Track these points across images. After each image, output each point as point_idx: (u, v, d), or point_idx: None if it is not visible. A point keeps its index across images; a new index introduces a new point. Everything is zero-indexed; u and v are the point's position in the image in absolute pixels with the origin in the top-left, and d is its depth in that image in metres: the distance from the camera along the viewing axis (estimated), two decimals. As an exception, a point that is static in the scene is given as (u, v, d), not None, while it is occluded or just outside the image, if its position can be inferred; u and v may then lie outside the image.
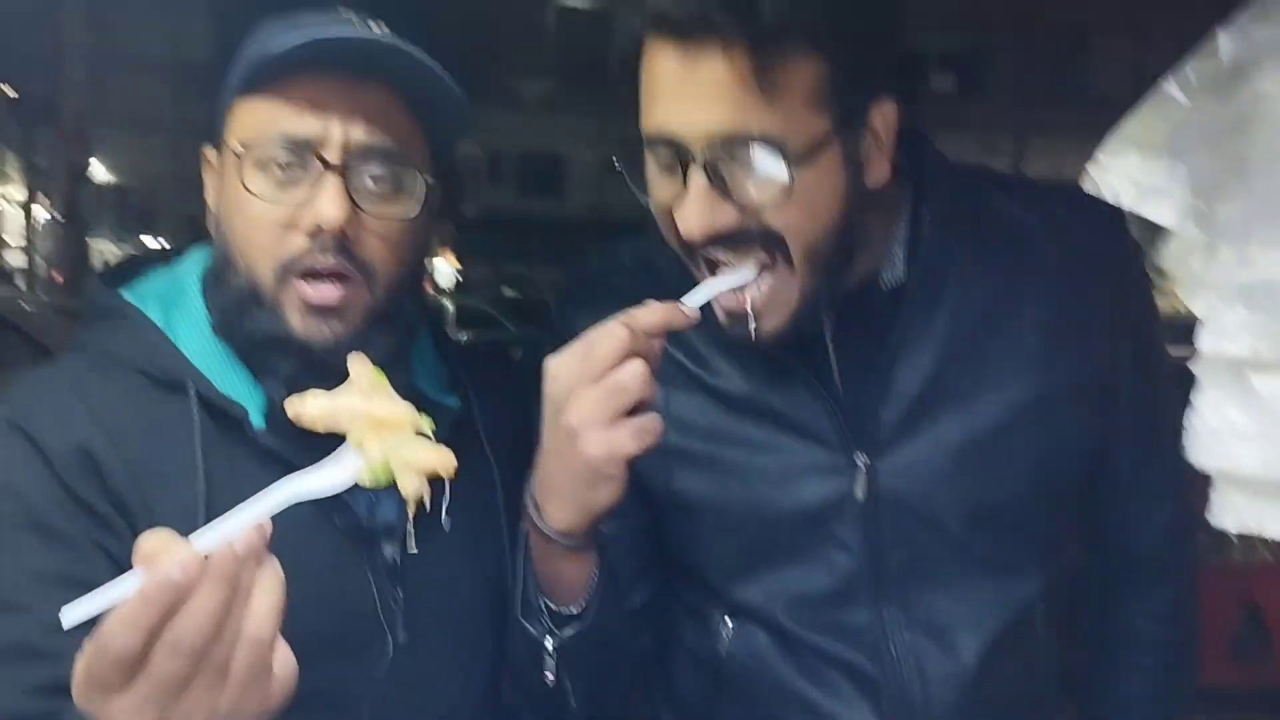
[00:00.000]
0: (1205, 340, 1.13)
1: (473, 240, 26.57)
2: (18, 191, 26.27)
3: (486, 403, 1.25)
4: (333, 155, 1.07)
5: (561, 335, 1.29)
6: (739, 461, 1.20)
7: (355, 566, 1.10)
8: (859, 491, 1.16)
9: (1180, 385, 1.32)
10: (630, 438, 0.97)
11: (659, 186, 1.09)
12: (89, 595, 0.73)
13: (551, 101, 25.33)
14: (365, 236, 1.08)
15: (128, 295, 1.16)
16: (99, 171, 20.93)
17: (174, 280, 1.18)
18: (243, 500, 1.00)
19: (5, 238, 25.94)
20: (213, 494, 1.06)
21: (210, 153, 1.16)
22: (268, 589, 0.77)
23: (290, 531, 1.06)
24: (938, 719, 1.18)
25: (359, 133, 1.08)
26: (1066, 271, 1.21)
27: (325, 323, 1.08)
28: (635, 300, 1.25)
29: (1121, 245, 1.24)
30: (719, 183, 1.04)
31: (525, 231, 25.91)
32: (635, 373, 0.96)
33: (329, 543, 1.10)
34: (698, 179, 1.04)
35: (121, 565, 0.99)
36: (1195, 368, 1.15)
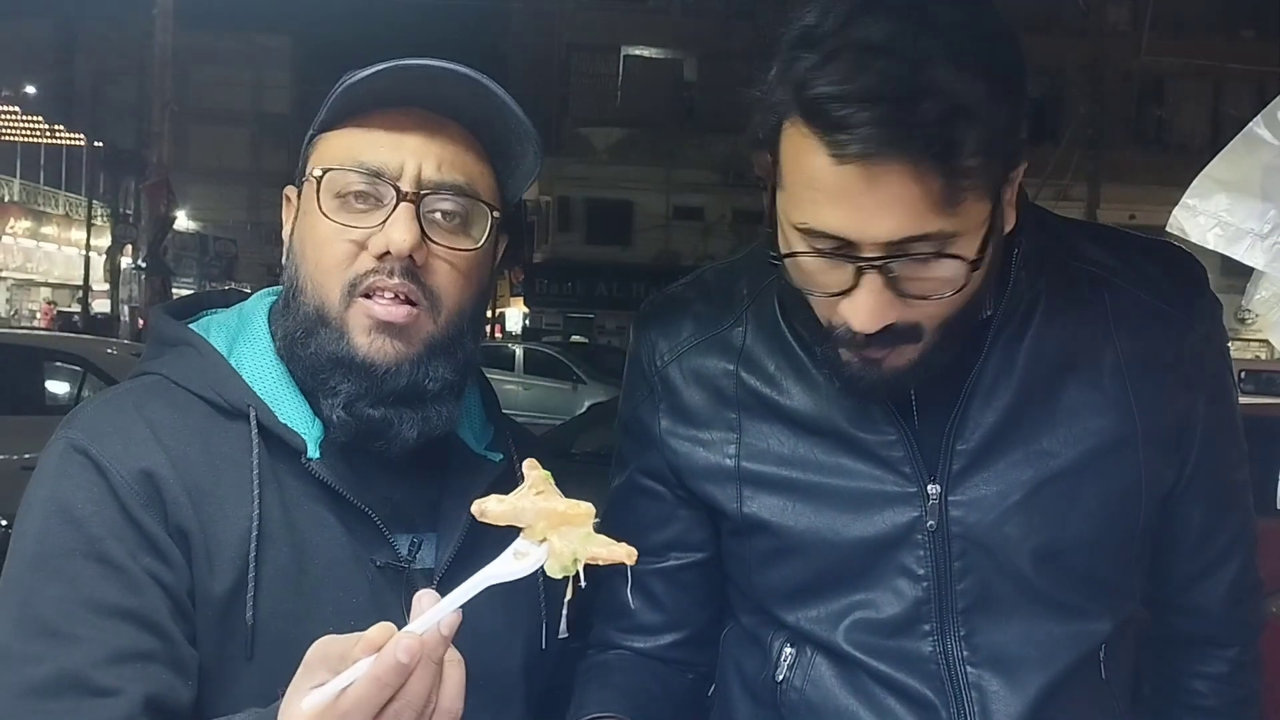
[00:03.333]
0: (1298, 384, 1.10)
1: (541, 287, 26.87)
2: (103, 240, 27.13)
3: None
4: (406, 185, 1.10)
5: (637, 353, 1.29)
6: (811, 485, 1.19)
7: (392, 607, 1.07)
8: (929, 521, 1.16)
9: (1253, 442, 1.29)
10: None
11: (815, 270, 1.07)
12: (329, 683, 0.84)
13: (619, 150, 25.60)
14: (433, 263, 1.11)
15: (198, 326, 1.18)
16: (181, 220, 21.52)
17: (240, 313, 1.20)
18: (289, 522, 1.09)
19: (91, 285, 26.74)
20: (264, 520, 1.07)
21: (290, 191, 1.19)
22: (456, 666, 0.88)
23: (330, 568, 1.09)
24: None
25: (433, 166, 1.11)
26: (1147, 319, 1.20)
27: (390, 341, 1.10)
28: (711, 320, 1.26)
29: (1203, 298, 1.23)
30: (892, 282, 1.04)
31: (592, 278, 26.13)
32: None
33: (367, 580, 1.11)
34: (874, 280, 1.03)
35: (173, 597, 1.04)
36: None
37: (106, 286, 26.06)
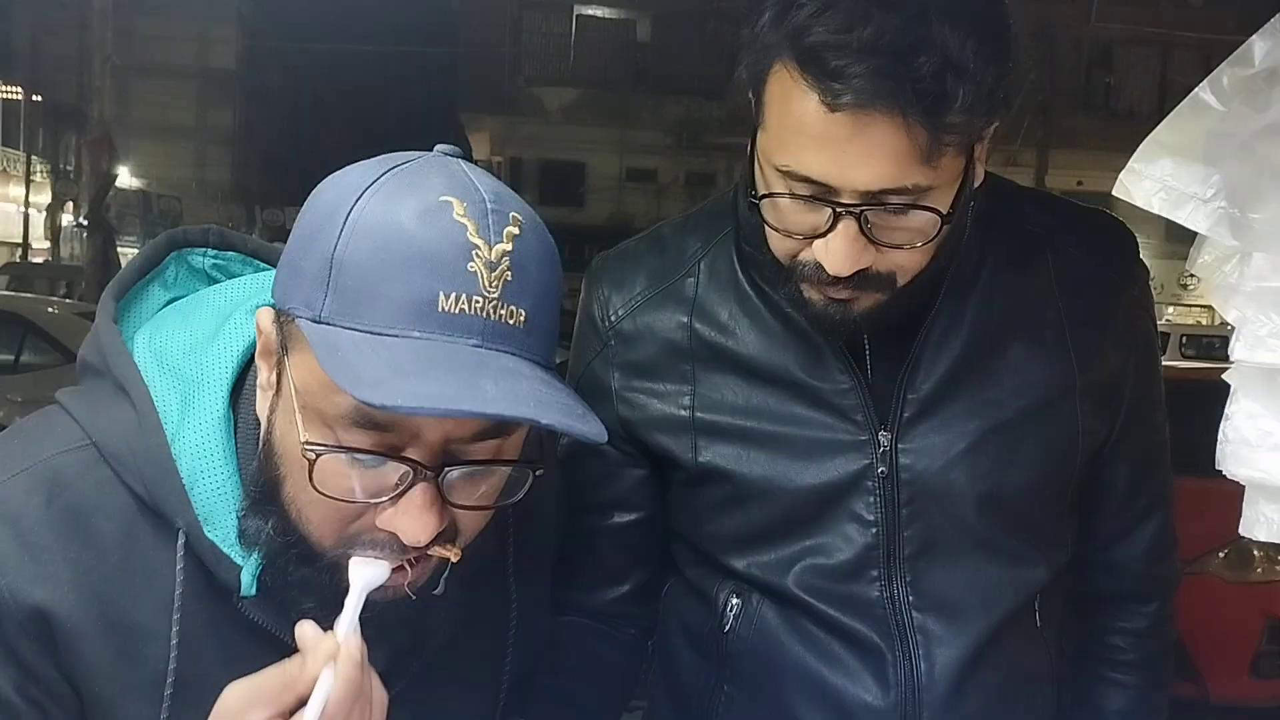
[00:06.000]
0: (1239, 348, 1.12)
1: (493, 248, 26.55)
2: (43, 197, 26.54)
3: (525, 528, 1.11)
4: (425, 456, 0.85)
5: (589, 308, 1.29)
6: (765, 433, 1.22)
7: None
8: (880, 468, 1.19)
9: (1194, 405, 1.33)
10: None
11: (790, 211, 1.08)
12: (311, 708, 0.81)
13: (571, 111, 25.40)
14: (458, 520, 0.90)
15: (148, 354, 0.97)
16: (124, 177, 21.09)
17: (200, 362, 0.97)
18: (213, 670, 0.91)
19: (31, 243, 26.16)
20: (183, 661, 0.93)
21: (265, 322, 0.91)
22: (379, 686, 0.85)
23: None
24: (941, 696, 1.20)
25: (462, 430, 0.86)
26: (1086, 280, 1.25)
27: (395, 585, 0.91)
28: (662, 273, 1.26)
29: (1136, 263, 1.29)
30: (867, 228, 1.05)
31: (545, 240, 25.89)
32: None
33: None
34: (849, 225, 1.05)
35: None
36: (1228, 376, 1.15)
37: (47, 244, 25.50)
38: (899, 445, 1.19)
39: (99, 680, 0.92)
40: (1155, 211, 1.16)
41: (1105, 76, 24.41)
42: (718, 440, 1.22)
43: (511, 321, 0.86)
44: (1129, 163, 1.17)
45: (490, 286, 0.84)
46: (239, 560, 0.92)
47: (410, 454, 0.85)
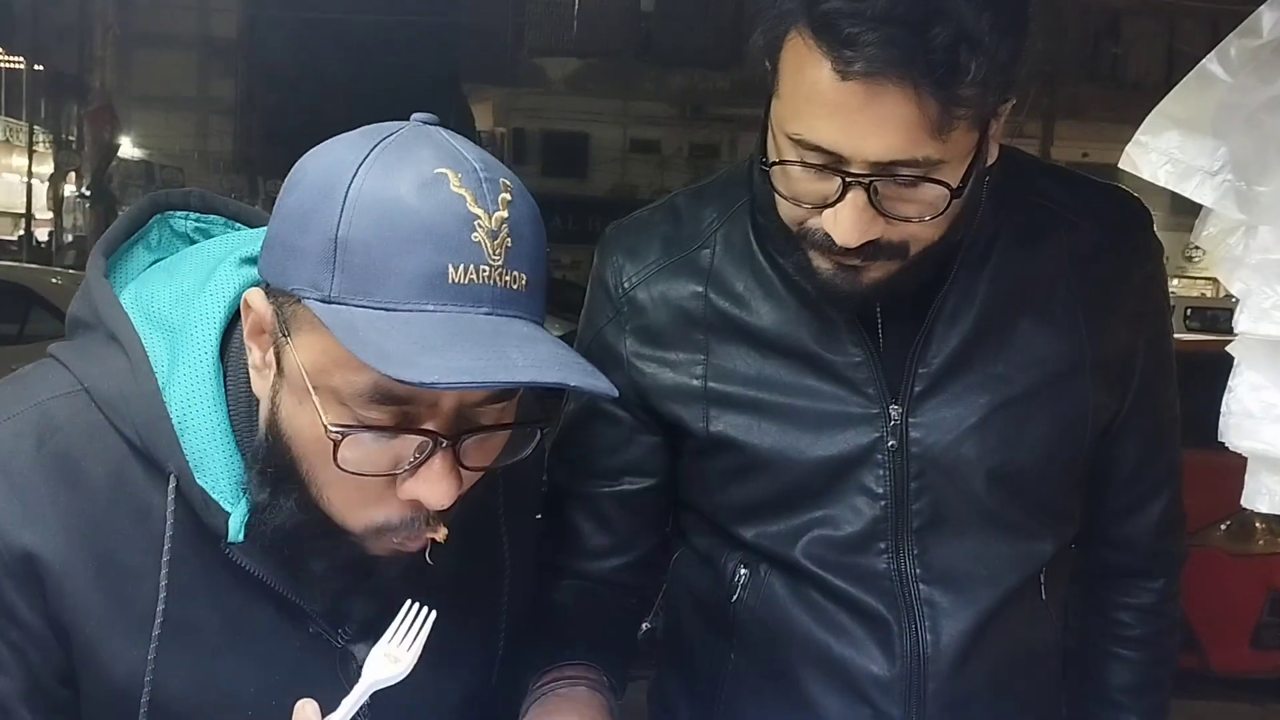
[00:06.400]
0: (1243, 321, 1.12)
1: (496, 219, 26.46)
2: (46, 167, 26.49)
3: (514, 490, 1.14)
4: (442, 425, 0.88)
5: (602, 276, 1.30)
6: (777, 405, 1.22)
7: (325, 672, 0.98)
8: (890, 441, 1.20)
9: (1198, 377, 1.34)
10: None
11: (801, 179, 1.09)
12: None
13: (575, 81, 25.28)
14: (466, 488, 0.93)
15: (135, 309, 0.98)
16: (126, 148, 21.02)
17: (187, 313, 0.98)
18: (203, 613, 0.96)
19: (34, 213, 26.15)
20: (172, 602, 0.94)
21: (258, 302, 0.92)
22: None
23: (253, 644, 0.98)
24: (947, 668, 1.21)
25: (476, 395, 0.88)
26: (1099, 255, 1.25)
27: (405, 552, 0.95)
28: (678, 243, 1.27)
29: (1150, 239, 1.29)
30: (876, 199, 1.05)
31: (548, 211, 25.85)
32: None
33: (295, 649, 1.00)
34: (858, 195, 1.05)
35: (39, 680, 0.94)
36: (1232, 349, 1.15)
37: (50, 215, 25.47)
38: (909, 419, 1.20)
39: (89, 621, 0.94)
40: (1161, 184, 1.16)
41: (1112, 46, 24.25)
42: (729, 410, 1.23)
43: (515, 286, 0.88)
44: (1135, 135, 1.17)
45: (494, 255, 0.86)
46: (227, 506, 0.94)
47: (428, 424, 0.87)
